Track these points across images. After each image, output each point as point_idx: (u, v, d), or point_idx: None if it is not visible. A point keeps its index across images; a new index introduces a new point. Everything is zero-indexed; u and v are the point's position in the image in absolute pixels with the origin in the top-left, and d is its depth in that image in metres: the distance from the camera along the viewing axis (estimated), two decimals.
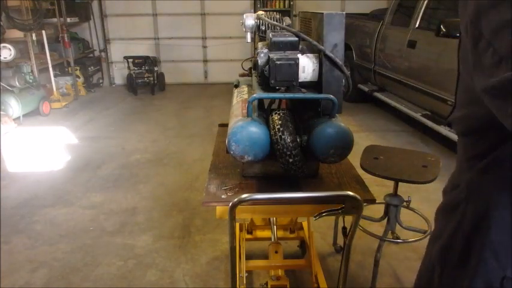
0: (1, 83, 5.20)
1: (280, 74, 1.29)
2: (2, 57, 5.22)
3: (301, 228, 2.39)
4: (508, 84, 0.58)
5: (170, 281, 2.36)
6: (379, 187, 2.58)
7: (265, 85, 1.37)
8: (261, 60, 1.33)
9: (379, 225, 2.53)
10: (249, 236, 2.38)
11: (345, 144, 1.27)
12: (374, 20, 5.76)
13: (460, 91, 0.87)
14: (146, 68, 7.35)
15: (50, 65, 6.21)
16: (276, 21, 1.55)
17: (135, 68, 7.36)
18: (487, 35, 0.63)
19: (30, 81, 5.66)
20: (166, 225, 2.94)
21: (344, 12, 1.32)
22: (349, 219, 1.26)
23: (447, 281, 0.87)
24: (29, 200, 3.34)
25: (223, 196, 1.34)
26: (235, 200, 1.19)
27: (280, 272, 1.96)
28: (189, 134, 5.09)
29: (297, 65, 1.28)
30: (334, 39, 1.31)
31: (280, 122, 1.27)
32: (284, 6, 7.79)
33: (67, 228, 2.92)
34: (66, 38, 6.67)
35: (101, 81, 8.16)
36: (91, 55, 7.99)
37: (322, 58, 1.31)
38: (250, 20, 1.58)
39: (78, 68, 7.16)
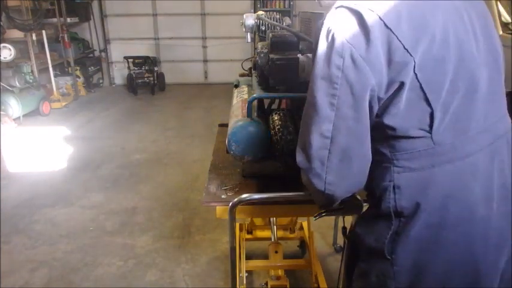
0: (1, 83, 5.19)
1: (280, 74, 1.29)
2: (2, 57, 5.22)
3: (301, 228, 2.39)
4: None
5: (170, 281, 2.36)
6: None
7: (265, 85, 1.37)
8: (261, 60, 1.33)
9: None
10: (249, 236, 2.38)
11: None
12: None
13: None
14: (146, 68, 7.35)
15: (50, 65, 6.21)
16: (276, 21, 1.55)
17: (135, 68, 7.36)
18: None
19: (30, 81, 5.66)
20: (166, 225, 2.94)
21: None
22: (349, 219, 1.26)
23: None
24: (29, 200, 3.34)
25: (223, 196, 1.34)
26: (235, 200, 1.19)
27: (280, 272, 1.96)
28: (189, 134, 5.09)
29: (297, 65, 1.28)
30: None
31: (280, 122, 1.27)
32: (284, 6, 7.79)
33: (67, 228, 2.92)
34: (66, 38, 6.67)
35: (101, 81, 8.15)
36: (91, 55, 7.98)
37: None
38: (250, 20, 1.58)
39: (78, 68, 7.16)
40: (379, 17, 0.77)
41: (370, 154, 0.88)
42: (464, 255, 0.89)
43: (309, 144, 0.86)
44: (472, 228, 0.88)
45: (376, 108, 0.84)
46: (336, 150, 0.85)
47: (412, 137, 0.85)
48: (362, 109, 0.82)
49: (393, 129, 0.85)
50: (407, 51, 0.78)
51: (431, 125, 0.83)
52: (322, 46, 0.82)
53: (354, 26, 0.78)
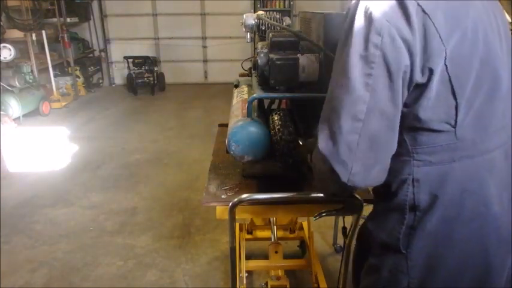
0: (1, 83, 5.19)
1: (280, 74, 1.28)
2: (2, 57, 5.22)
3: (301, 228, 2.38)
4: None
5: (170, 281, 2.36)
6: None
7: (265, 85, 1.37)
8: (261, 60, 1.32)
9: None
10: (249, 236, 2.37)
11: None
12: None
13: None
14: (146, 68, 7.35)
15: (50, 65, 6.21)
16: (276, 21, 1.55)
17: (135, 68, 7.35)
18: None
19: (30, 81, 5.66)
20: (166, 225, 2.94)
21: (344, 12, 1.32)
22: (349, 219, 1.27)
23: None
24: (29, 199, 3.34)
25: (223, 196, 1.34)
26: (235, 200, 1.19)
27: (280, 272, 1.96)
28: (189, 134, 5.09)
29: (297, 65, 1.28)
30: (334, 39, 1.30)
31: (280, 122, 1.27)
32: (284, 6, 7.79)
33: (67, 228, 2.92)
34: (66, 38, 6.67)
35: (100, 81, 8.15)
36: (91, 55, 7.98)
37: (322, 58, 1.31)
38: (250, 20, 1.58)
39: (78, 68, 7.15)
40: (417, 3, 0.77)
41: (397, 143, 0.87)
42: (477, 250, 0.90)
43: (339, 128, 0.82)
44: (486, 224, 0.89)
45: (406, 93, 0.83)
46: (367, 135, 0.82)
47: (436, 131, 0.85)
48: (397, 90, 0.81)
49: (420, 121, 0.85)
50: (442, 40, 0.78)
51: (456, 120, 0.84)
52: (358, 25, 0.80)
53: (393, 6, 0.78)
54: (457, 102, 0.82)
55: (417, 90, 0.82)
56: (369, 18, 0.79)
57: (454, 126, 0.84)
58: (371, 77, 0.79)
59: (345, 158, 0.83)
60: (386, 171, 0.88)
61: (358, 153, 0.83)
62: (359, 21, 0.80)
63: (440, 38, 0.78)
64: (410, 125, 0.87)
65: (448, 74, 0.80)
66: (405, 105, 0.84)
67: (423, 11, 0.77)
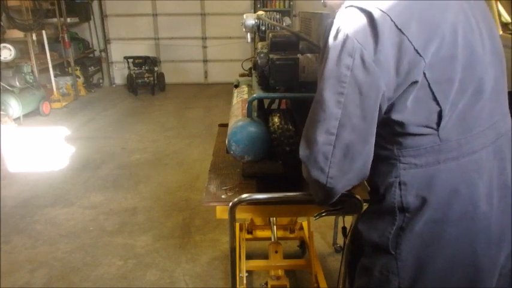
0: (1, 83, 5.19)
1: (280, 74, 1.28)
2: (2, 57, 5.22)
3: (301, 228, 2.39)
4: None
5: (170, 281, 2.36)
6: None
7: (265, 85, 1.37)
8: (261, 60, 1.32)
9: None
10: (249, 236, 2.38)
11: None
12: None
13: None
14: (146, 68, 7.34)
15: (50, 65, 6.21)
16: (276, 21, 1.55)
17: (135, 68, 7.35)
18: None
19: (30, 81, 5.66)
20: (166, 225, 2.94)
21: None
22: (349, 219, 1.26)
23: None
24: (29, 199, 3.34)
25: (223, 196, 1.34)
26: (235, 200, 1.19)
27: (280, 272, 1.96)
28: (189, 134, 5.09)
29: (297, 65, 1.28)
30: None
31: (280, 122, 1.27)
32: (284, 6, 7.78)
33: (67, 228, 2.92)
34: (66, 38, 6.67)
35: (101, 81, 8.15)
36: (91, 55, 7.98)
37: None
38: (250, 20, 1.58)
39: (78, 68, 7.16)
40: (390, 18, 0.77)
41: (373, 151, 0.88)
42: (466, 250, 0.90)
43: (314, 141, 0.87)
44: (475, 224, 0.89)
45: (384, 107, 0.84)
46: (340, 146, 0.86)
47: (419, 134, 0.86)
48: (368, 108, 0.82)
49: (401, 125, 0.86)
50: (417, 52, 0.78)
51: (438, 123, 0.84)
52: (332, 45, 0.82)
53: (364, 27, 0.78)
54: (440, 107, 0.83)
55: (396, 99, 0.84)
56: (341, 39, 0.80)
57: (436, 129, 0.85)
58: (342, 96, 0.82)
59: (322, 165, 0.88)
60: (365, 173, 0.91)
61: (334, 160, 0.87)
62: (332, 41, 0.82)
63: (416, 49, 0.78)
64: (394, 129, 0.88)
65: (427, 80, 0.80)
66: (384, 112, 0.86)
67: (396, 26, 0.77)
